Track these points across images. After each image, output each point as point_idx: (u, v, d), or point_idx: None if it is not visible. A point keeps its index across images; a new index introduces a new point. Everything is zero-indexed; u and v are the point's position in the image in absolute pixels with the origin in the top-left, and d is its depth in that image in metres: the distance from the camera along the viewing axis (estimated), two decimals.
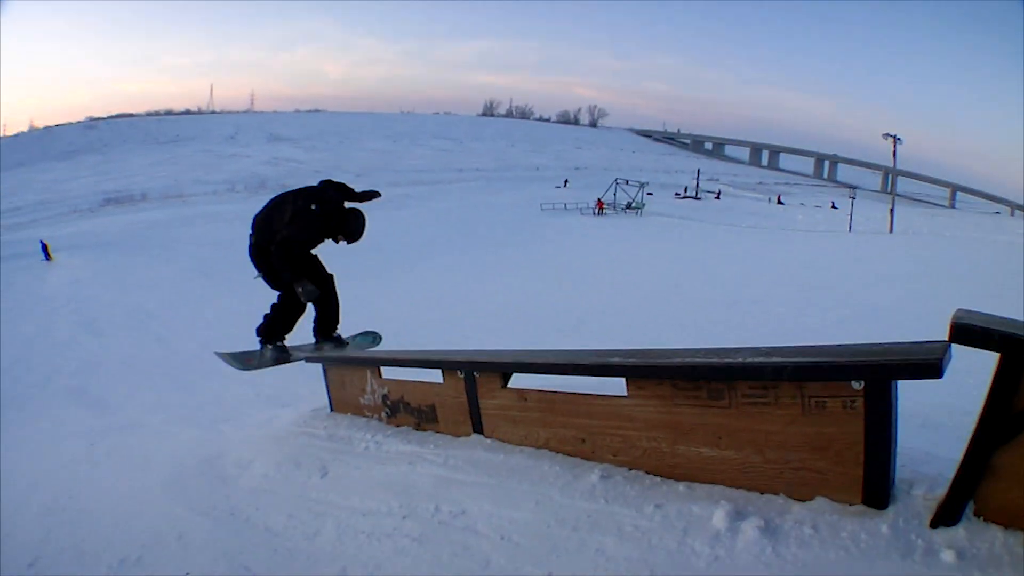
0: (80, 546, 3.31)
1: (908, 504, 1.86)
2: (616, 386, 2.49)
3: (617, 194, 39.87)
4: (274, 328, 4.39)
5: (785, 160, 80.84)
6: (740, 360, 2.10)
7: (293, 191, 4.03)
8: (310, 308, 4.34)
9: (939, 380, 1.62)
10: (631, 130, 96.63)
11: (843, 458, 1.91)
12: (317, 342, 4.56)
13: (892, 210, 36.61)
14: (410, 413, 3.72)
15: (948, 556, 1.65)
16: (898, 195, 43.82)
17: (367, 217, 4.12)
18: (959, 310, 1.68)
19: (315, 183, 4.20)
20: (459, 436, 3.30)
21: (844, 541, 1.81)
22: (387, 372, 3.97)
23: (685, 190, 51.88)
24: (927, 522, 1.76)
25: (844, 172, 74.78)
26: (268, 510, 3.23)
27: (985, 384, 1.64)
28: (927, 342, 1.76)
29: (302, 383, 5.84)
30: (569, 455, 2.70)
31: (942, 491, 1.78)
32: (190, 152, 59.71)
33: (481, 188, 46.64)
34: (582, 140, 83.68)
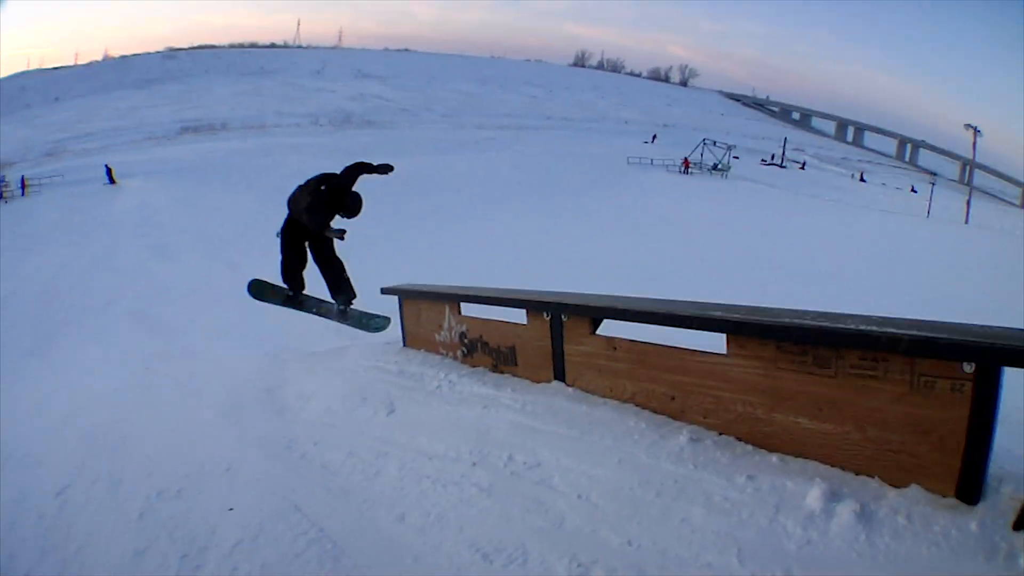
0: (116, 475, 3.17)
1: (996, 502, 1.77)
2: (711, 344, 2.38)
3: (704, 154, 39.08)
4: (283, 274, 4.84)
5: (869, 139, 75.53)
6: (853, 327, 1.99)
7: (313, 177, 4.60)
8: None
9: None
10: (721, 92, 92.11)
11: (944, 445, 1.82)
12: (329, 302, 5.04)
13: (968, 201, 35.63)
14: (488, 353, 3.64)
15: None
16: (974, 187, 42.56)
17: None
18: None
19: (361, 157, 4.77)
20: (539, 382, 3.20)
21: (936, 536, 1.74)
22: (467, 309, 3.88)
23: (772, 157, 49.97)
24: (1011, 524, 1.68)
25: (924, 158, 69.37)
26: (327, 446, 3.10)
27: None
28: None
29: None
30: (656, 412, 2.60)
31: None
32: (274, 85, 60.06)
33: (568, 138, 45.23)
34: (672, 98, 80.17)
